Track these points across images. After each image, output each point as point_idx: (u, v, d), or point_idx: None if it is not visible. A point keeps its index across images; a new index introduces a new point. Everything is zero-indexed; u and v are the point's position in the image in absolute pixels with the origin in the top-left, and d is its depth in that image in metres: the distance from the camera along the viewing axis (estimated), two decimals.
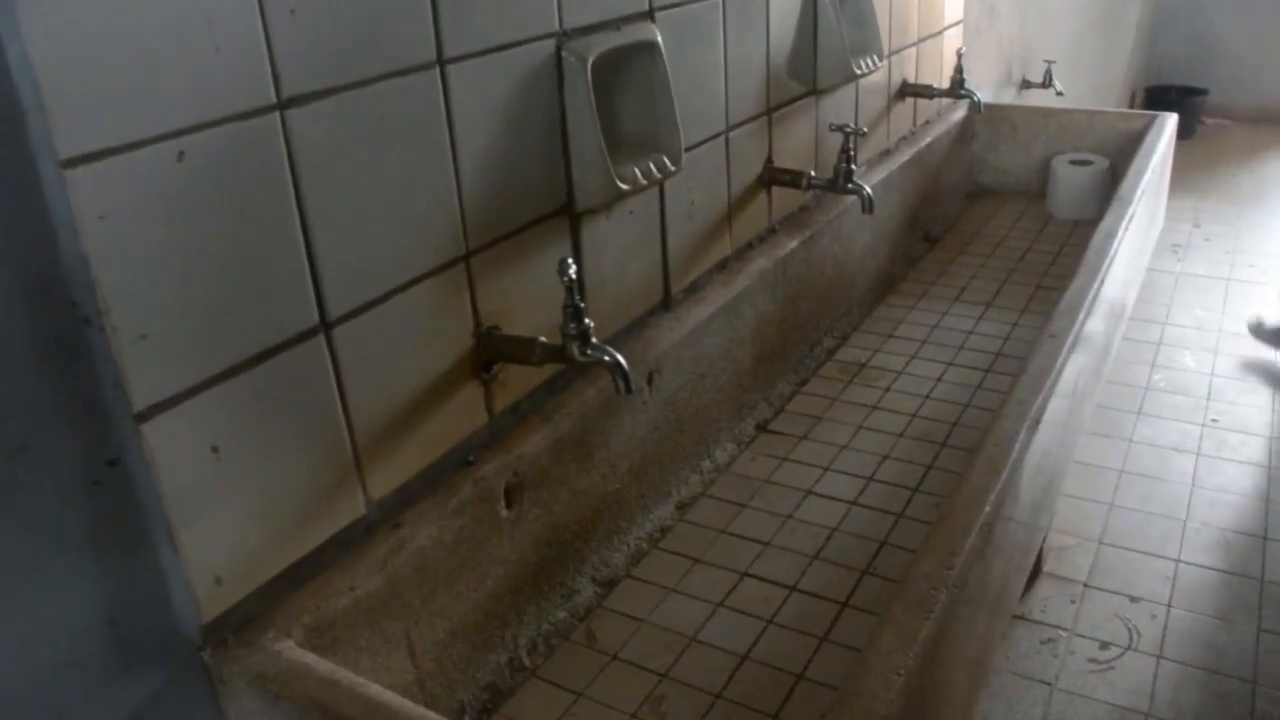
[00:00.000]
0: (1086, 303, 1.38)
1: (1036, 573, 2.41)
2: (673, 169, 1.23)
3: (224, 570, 0.82)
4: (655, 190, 1.32)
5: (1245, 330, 3.56)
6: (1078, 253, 1.59)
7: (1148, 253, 2.49)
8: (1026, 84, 3.24)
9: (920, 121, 2.33)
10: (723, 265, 1.53)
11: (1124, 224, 1.69)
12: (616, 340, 1.29)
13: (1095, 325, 1.45)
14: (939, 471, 1.37)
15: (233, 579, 0.84)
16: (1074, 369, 1.29)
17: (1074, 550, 2.47)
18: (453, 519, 1.00)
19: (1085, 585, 2.37)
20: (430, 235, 0.97)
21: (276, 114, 0.79)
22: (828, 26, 1.72)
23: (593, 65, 1.10)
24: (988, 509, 0.99)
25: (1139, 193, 1.86)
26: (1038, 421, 1.12)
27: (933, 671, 0.87)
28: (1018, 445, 1.08)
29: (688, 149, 1.37)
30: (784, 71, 1.64)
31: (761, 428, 1.53)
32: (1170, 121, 2.40)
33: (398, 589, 0.95)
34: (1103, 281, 1.48)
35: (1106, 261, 1.53)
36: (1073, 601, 2.32)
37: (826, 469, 1.40)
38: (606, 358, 0.98)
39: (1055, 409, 1.19)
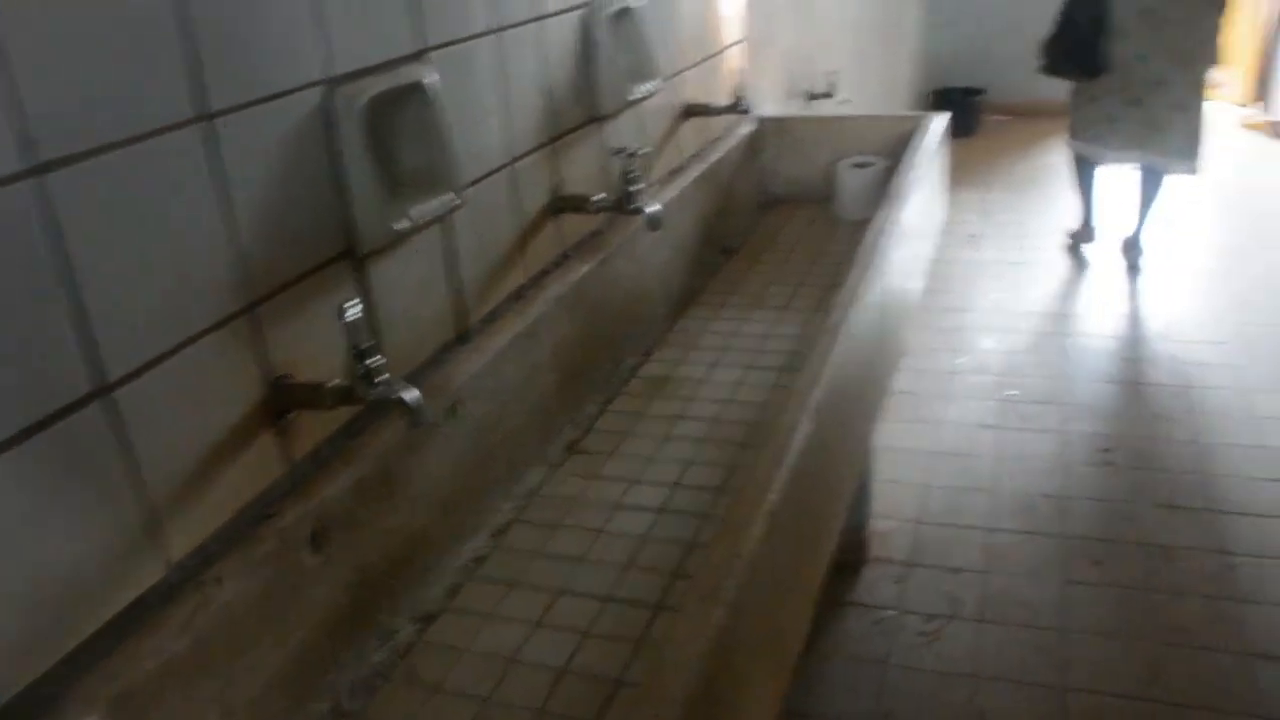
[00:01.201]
0: (857, 296, 1.53)
1: (863, 559, 2.58)
2: (455, 204, 1.30)
3: (6, 655, 0.83)
4: (442, 226, 1.38)
5: (1037, 307, 3.91)
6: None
7: (933, 243, 2.72)
8: (812, 95, 3.46)
9: (710, 139, 2.48)
10: (518, 294, 1.60)
11: (892, 219, 1.86)
12: (416, 376, 1.34)
13: (870, 315, 1.60)
14: (740, 471, 1.48)
15: (21, 661, 0.84)
16: (848, 357, 1.42)
17: (895, 533, 2.66)
18: (258, 571, 1.03)
19: (908, 564, 2.55)
20: (210, 289, 1.00)
21: (32, 180, 0.81)
22: (604, 54, 1.82)
23: (366, 108, 1.16)
24: (771, 497, 1.09)
25: (907, 188, 2.05)
26: (814, 411, 1.24)
27: (728, 657, 0.96)
28: (796, 435, 1.19)
29: (473, 183, 1.44)
30: (565, 100, 1.73)
31: (571, 448, 1.61)
32: (938, 120, 2.64)
33: (206, 648, 0.97)
34: (873, 273, 1.63)
35: (875, 255, 1.69)
36: (897, 581, 2.50)
37: (635, 482, 1.49)
38: (393, 394, 1.03)
39: (831, 397, 1.32)
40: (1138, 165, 4.13)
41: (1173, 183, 4.11)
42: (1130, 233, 4.24)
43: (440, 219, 1.32)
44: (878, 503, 2.61)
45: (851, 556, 2.49)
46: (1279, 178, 5.31)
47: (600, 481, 1.50)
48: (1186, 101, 3.91)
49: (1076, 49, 3.90)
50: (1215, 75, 4.17)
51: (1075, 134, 4.21)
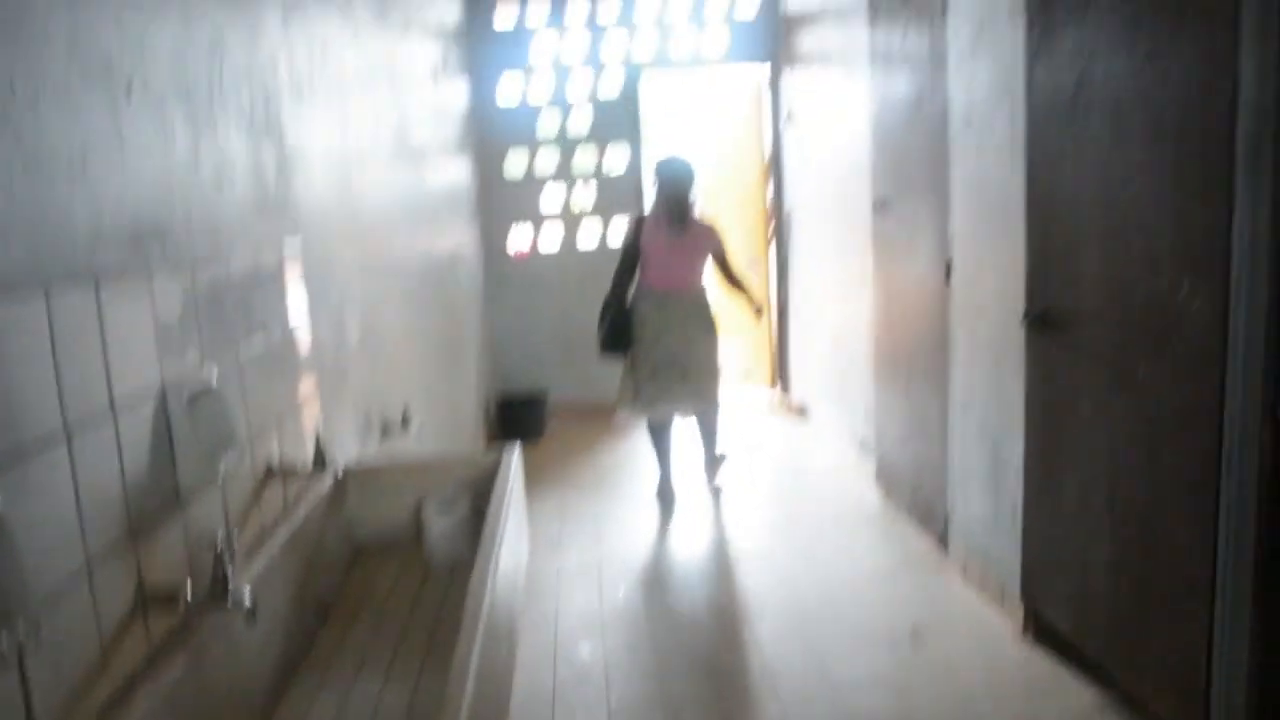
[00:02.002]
0: (472, 665, 1.62)
1: None
2: (21, 635, 1.23)
3: None
4: (14, 656, 1.29)
5: (628, 604, 4.18)
6: (458, 598, 1.84)
7: (524, 558, 2.89)
8: (386, 429, 3.62)
9: (294, 497, 2.51)
10: (109, 706, 1.50)
11: (490, 568, 2.01)
12: None
13: (487, 666, 1.69)
14: None
15: None
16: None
17: None
18: None
19: None
20: None
21: None
22: (181, 433, 1.84)
23: None
24: None
25: (499, 531, 2.22)
26: None
27: None
28: None
29: (49, 594, 1.37)
30: (144, 488, 1.71)
31: None
32: (511, 453, 2.89)
33: None
34: (483, 632, 1.74)
35: (484, 611, 1.80)
36: None
37: None
38: None
39: None
40: (685, 415, 5.14)
41: (719, 421, 5.25)
42: (705, 456, 5.30)
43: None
44: None
45: None
46: (807, 454, 6.27)
47: None
48: (703, 363, 5.02)
49: (611, 333, 5.00)
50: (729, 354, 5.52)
51: (624, 403, 5.12)
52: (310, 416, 2.73)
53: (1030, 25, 3.03)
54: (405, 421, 3.72)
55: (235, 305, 2.19)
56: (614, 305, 4.99)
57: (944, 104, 3.86)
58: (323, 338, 2.91)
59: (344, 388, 3.15)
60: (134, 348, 1.71)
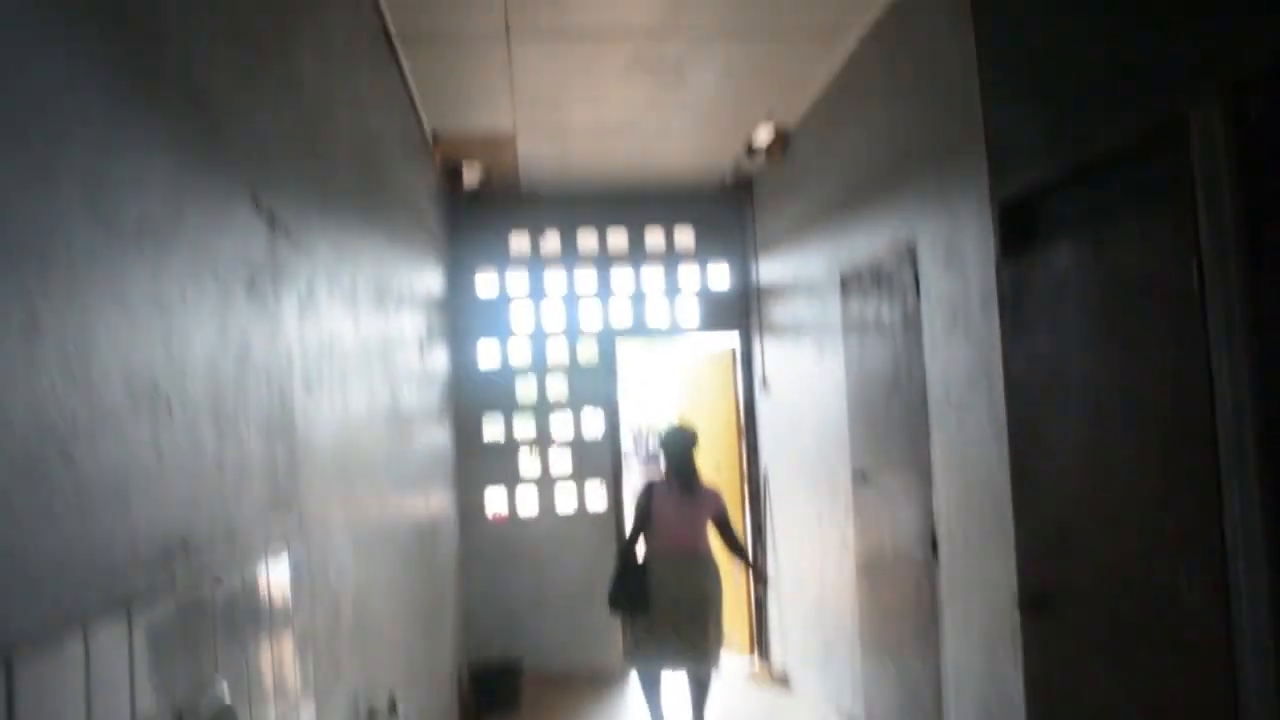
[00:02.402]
0: None
1: None
2: None
3: None
4: None
5: None
6: None
7: None
8: (373, 713, 3.48)
9: None
10: None
11: None
12: None
13: None
14: None
15: None
16: None
17: None
18: None
19: None
20: None
21: None
22: None
23: None
24: None
25: None
26: None
27: None
28: None
29: None
30: None
31: None
32: None
33: None
34: None
35: None
36: None
37: None
38: None
39: None
40: (682, 671, 5.29)
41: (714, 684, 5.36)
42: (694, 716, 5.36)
43: None
44: None
45: None
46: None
47: None
48: (709, 624, 5.18)
49: (623, 592, 5.25)
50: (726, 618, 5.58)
51: (631, 654, 5.36)
52: (308, 717, 2.64)
53: (1003, 313, 3.23)
54: (393, 708, 3.58)
55: (247, 612, 2.16)
56: (626, 565, 5.26)
57: (922, 379, 4.02)
58: (318, 627, 2.85)
59: (337, 678, 3.05)
60: (156, 671, 1.68)
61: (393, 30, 4.55)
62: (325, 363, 3.15)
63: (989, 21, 3.37)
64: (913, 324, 4.09)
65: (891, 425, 4.42)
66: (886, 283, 4.40)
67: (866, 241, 4.69)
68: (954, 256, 3.65)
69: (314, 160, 3.06)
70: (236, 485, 2.17)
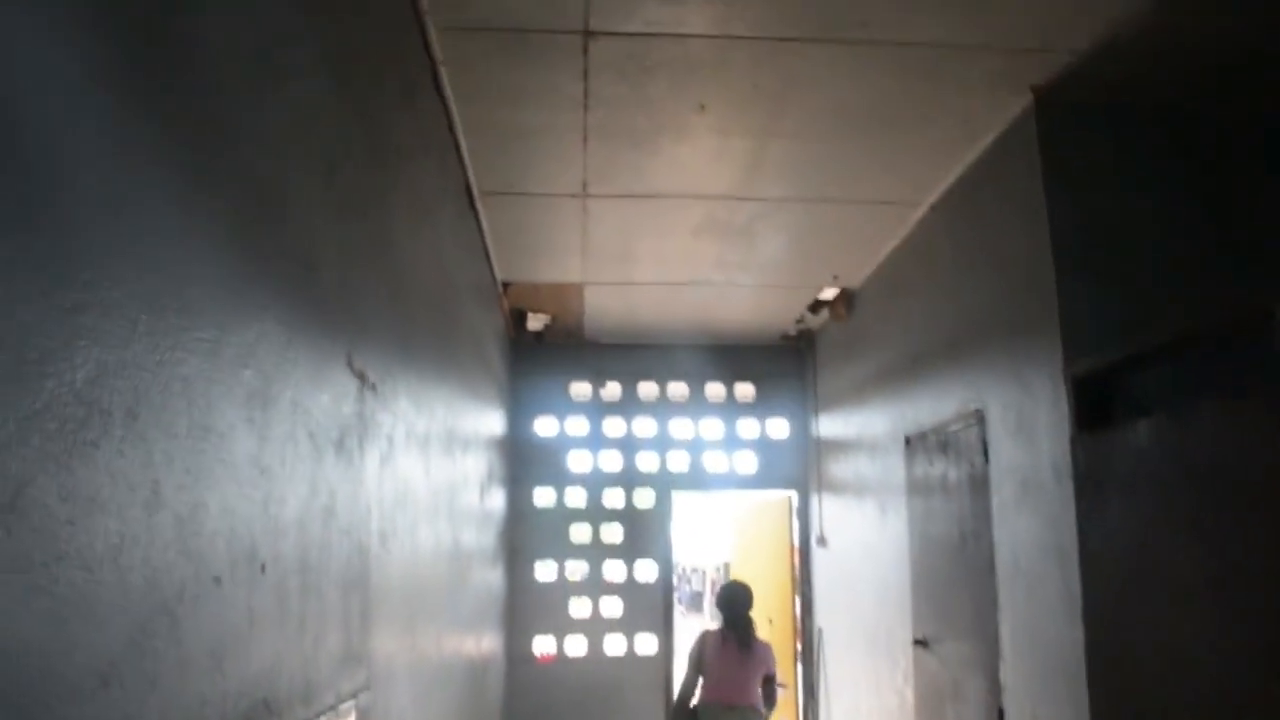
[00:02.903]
0: None
1: None
2: None
3: None
4: None
5: None
6: None
7: None
8: None
9: None
10: None
11: None
12: None
13: None
14: None
15: None
16: None
17: None
18: None
19: None
20: None
21: None
22: None
23: None
24: None
25: None
26: None
27: None
28: None
29: None
30: None
31: None
32: None
33: None
34: None
35: None
36: None
37: None
38: None
39: None
40: None
41: None
42: None
43: None
44: None
45: None
46: None
47: None
48: None
49: None
50: None
51: None
52: None
53: (1079, 489, 3.17)
54: None
55: None
56: (680, 713, 5.26)
57: (989, 546, 3.94)
58: None
59: None
60: None
61: (474, 187, 4.74)
62: (399, 513, 3.18)
63: (1062, 197, 3.44)
64: (980, 489, 4.04)
65: (956, 591, 4.32)
66: (953, 446, 4.37)
67: (932, 404, 4.68)
68: (1025, 426, 3.63)
69: (399, 315, 3.15)
70: (315, 641, 2.18)
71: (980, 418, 4.07)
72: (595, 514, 7.33)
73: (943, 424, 4.51)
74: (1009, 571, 3.79)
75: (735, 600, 5.41)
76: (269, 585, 1.85)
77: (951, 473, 4.39)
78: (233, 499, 1.67)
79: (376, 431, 2.79)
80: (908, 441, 5.03)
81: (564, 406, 7.44)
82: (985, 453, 4.01)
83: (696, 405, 7.53)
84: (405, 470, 3.30)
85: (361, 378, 2.59)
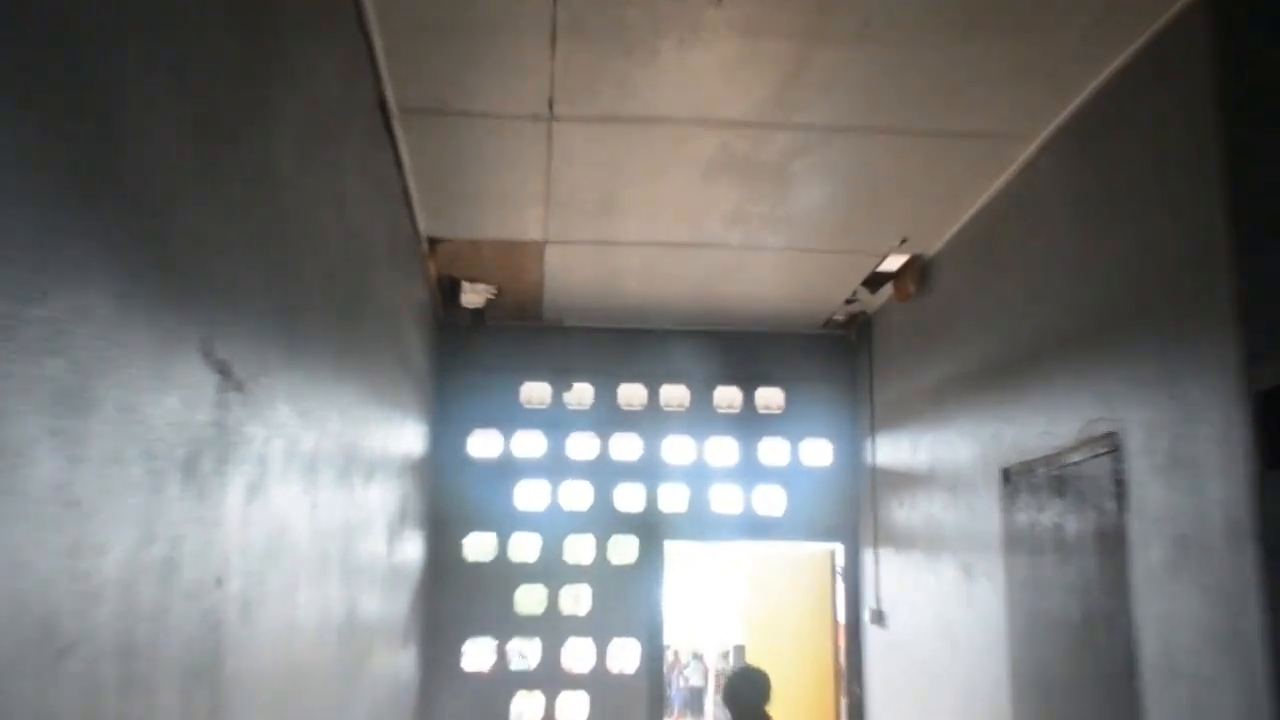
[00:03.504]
0: None
1: None
2: None
3: None
4: None
5: None
6: None
7: None
8: None
9: None
10: None
11: None
12: None
13: None
14: None
15: None
16: None
17: None
18: None
19: None
20: None
21: None
22: None
23: None
24: None
25: None
26: None
27: None
28: None
29: None
30: None
31: None
32: None
33: None
34: None
35: None
36: None
37: None
38: None
39: None
40: None
41: None
42: None
43: None
44: None
45: None
46: None
47: None
48: None
49: None
50: None
51: None
52: None
53: (1269, 556, 3.09)
54: None
55: None
56: None
57: (1128, 636, 3.88)
58: None
59: None
60: None
61: (391, 102, 4.62)
62: (271, 568, 3.10)
63: (1247, 130, 3.35)
64: (1114, 549, 3.97)
65: (1078, 698, 4.27)
66: (1073, 485, 4.31)
67: (1043, 424, 4.62)
68: (1182, 459, 3.56)
69: (281, 284, 3.07)
70: None
71: (1114, 444, 4.00)
72: (553, 571, 7.25)
73: (1058, 452, 4.45)
74: (1159, 671, 3.72)
75: (744, 694, 5.34)
76: (71, 677, 1.76)
77: (1071, 523, 4.33)
78: (22, 547, 1.58)
79: (243, 450, 2.71)
80: (1006, 477, 4.96)
81: (512, 416, 7.37)
82: (1121, 495, 3.94)
83: (701, 418, 7.47)
84: (282, 506, 3.22)
85: (224, 373, 2.51)
